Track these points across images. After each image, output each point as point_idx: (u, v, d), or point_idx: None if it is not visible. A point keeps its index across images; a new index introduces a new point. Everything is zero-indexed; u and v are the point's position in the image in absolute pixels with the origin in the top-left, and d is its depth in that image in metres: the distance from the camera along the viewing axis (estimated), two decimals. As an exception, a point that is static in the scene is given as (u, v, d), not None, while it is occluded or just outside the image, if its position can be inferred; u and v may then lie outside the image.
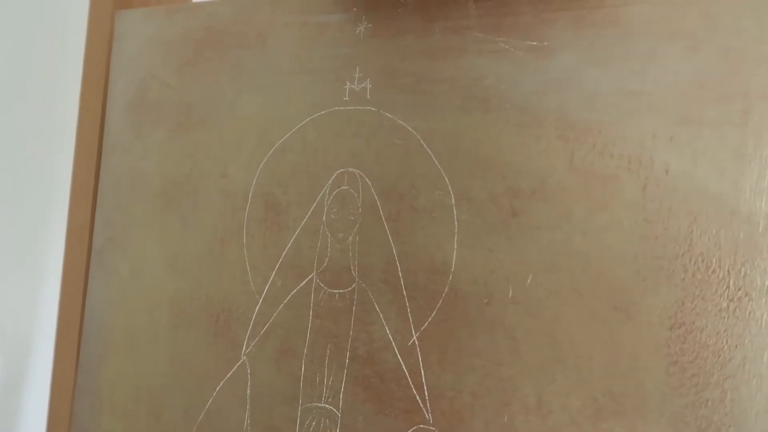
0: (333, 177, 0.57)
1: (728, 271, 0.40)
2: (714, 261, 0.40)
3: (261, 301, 0.60)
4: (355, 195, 0.55)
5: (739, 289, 0.40)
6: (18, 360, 0.80)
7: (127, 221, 0.73)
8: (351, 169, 0.56)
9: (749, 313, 0.39)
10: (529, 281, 0.46)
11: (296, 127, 0.60)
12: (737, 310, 0.39)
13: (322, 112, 0.58)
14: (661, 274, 0.42)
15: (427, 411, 0.50)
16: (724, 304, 0.40)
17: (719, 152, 0.41)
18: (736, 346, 0.39)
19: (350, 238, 0.55)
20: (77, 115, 0.79)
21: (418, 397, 0.51)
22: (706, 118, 0.41)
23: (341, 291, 0.55)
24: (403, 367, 0.51)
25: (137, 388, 0.70)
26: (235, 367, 0.61)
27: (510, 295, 0.47)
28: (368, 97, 0.55)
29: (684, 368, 0.40)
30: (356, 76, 0.56)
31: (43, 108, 0.82)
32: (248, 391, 0.60)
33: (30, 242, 0.81)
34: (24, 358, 0.80)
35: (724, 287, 0.40)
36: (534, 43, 0.48)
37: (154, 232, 0.70)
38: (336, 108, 0.57)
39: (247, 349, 0.61)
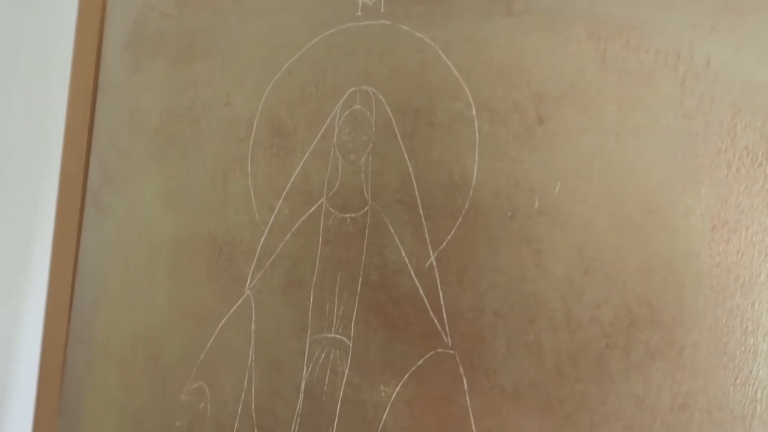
0: (344, 97, 0.54)
1: (774, 167, 0.37)
2: (760, 154, 0.37)
3: (266, 231, 0.57)
4: (368, 114, 0.52)
5: (786, 186, 0.37)
6: (8, 308, 0.76)
7: (124, 160, 0.70)
8: (364, 88, 0.53)
9: (797, 211, 0.37)
10: (556, 191, 0.44)
11: (305, 48, 0.57)
12: (784, 207, 0.37)
13: (333, 30, 0.55)
14: (702, 172, 0.39)
15: (445, 334, 0.47)
16: (770, 202, 0.37)
17: (764, 40, 0.38)
18: (783, 246, 0.37)
19: (363, 159, 0.52)
20: (71, 54, 0.76)
21: (435, 321, 0.48)
22: (750, 4, 0.39)
23: (353, 215, 0.52)
24: (420, 290, 0.48)
25: (133, 333, 0.67)
26: (238, 303, 0.58)
27: (535, 207, 0.44)
28: (382, 10, 0.52)
29: (728, 269, 0.38)
30: (369, -10, 0.53)
31: (35, 48, 0.78)
32: (253, 327, 0.57)
33: (21, 186, 0.78)
34: (15, 305, 0.77)
35: (770, 184, 0.37)
36: (561, -59, 0.45)
37: (152, 170, 0.67)
38: (348, 24, 0.54)
39: (251, 282, 0.58)
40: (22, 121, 0.76)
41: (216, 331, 0.60)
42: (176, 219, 0.64)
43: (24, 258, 0.76)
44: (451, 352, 0.47)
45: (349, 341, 0.52)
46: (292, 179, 0.56)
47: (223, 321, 0.59)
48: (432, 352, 0.48)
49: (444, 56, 0.49)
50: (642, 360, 0.40)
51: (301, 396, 0.54)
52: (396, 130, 0.51)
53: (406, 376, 0.49)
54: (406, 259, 0.49)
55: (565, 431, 0.42)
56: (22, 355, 0.76)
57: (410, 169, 0.50)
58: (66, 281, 0.72)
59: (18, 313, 0.76)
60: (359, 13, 0.54)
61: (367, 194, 0.52)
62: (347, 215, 0.53)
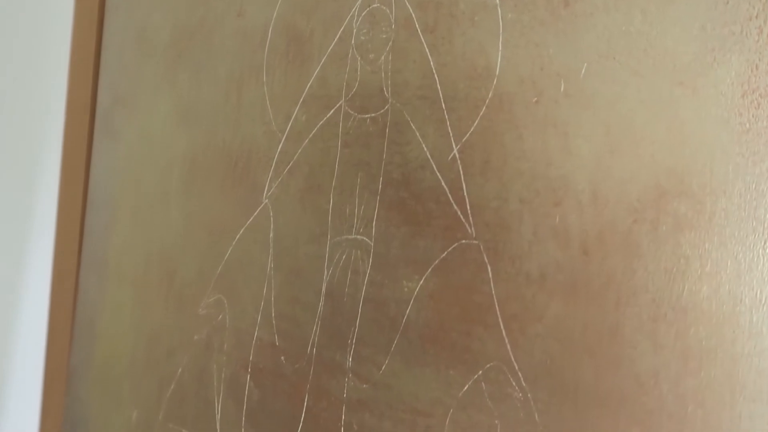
0: (362, -3, 0.53)
1: (805, 32, 0.37)
2: (792, 17, 0.37)
3: (284, 139, 0.57)
4: (388, 11, 0.52)
5: (816, 51, 0.37)
6: (17, 240, 0.76)
7: (133, 81, 0.69)
8: (382, -14, 0.52)
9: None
10: (582, 72, 0.43)
11: (320, -48, 0.56)
12: (814, 72, 0.37)
13: (349, -70, 0.54)
14: (731, 40, 0.39)
15: (469, 225, 0.47)
16: (800, 68, 0.37)
17: None
18: (813, 111, 0.37)
19: (382, 57, 0.52)
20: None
21: (459, 212, 0.48)
22: None
23: (372, 115, 0.52)
24: (443, 183, 0.48)
25: (148, 253, 0.66)
26: (256, 213, 0.58)
27: (561, 90, 0.44)
28: None
29: (758, 134, 0.38)
30: None
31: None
32: (271, 235, 0.57)
33: (27, 114, 0.77)
34: (24, 232, 0.76)
35: (800, 50, 0.37)
36: None
37: (164, 89, 0.66)
38: (364, -77, 0.54)
39: (268, 191, 0.58)
40: (26, 45, 0.75)
41: (233, 243, 0.60)
42: (189, 135, 0.64)
43: (32, 187, 0.75)
44: (475, 242, 0.47)
45: (371, 241, 0.52)
46: (309, 85, 0.56)
47: (241, 232, 0.59)
48: (455, 244, 0.48)
49: (465, -53, 0.48)
50: (671, 232, 0.40)
51: (322, 299, 0.54)
52: (416, 25, 0.50)
53: (429, 270, 0.49)
54: (428, 154, 0.49)
55: (591, 309, 0.42)
56: (31, 284, 0.76)
57: (431, 63, 0.49)
58: (76, 209, 0.72)
59: (27, 244, 0.76)
60: None
61: (387, 93, 0.51)
62: (367, 116, 0.52)
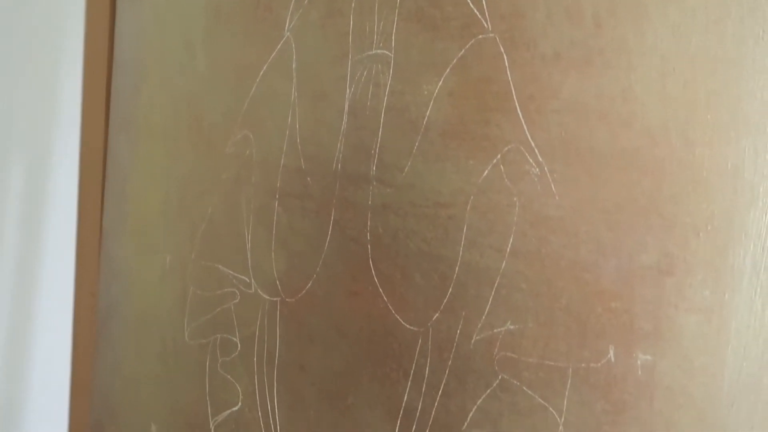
0: None
1: None
2: None
3: (303, -29, 0.59)
4: None
5: None
6: (44, 102, 0.79)
7: (154, -56, 0.71)
8: None
9: None
10: None
11: None
12: None
13: None
14: None
15: (485, 20, 0.50)
16: None
17: None
18: None
19: None
20: None
21: (475, 10, 0.50)
22: None
23: (389, -68, 0.54)
24: (459, -16, 0.51)
25: (176, 102, 0.69)
26: (279, 46, 0.61)
27: None
28: None
29: None
30: None
31: None
32: (294, 65, 0.60)
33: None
34: (50, 100, 0.79)
35: None
36: None
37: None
38: None
39: (290, 24, 0.60)
40: None
41: (258, 79, 0.62)
42: (211, -14, 0.66)
43: (55, 52, 0.78)
44: (491, 35, 0.49)
45: (390, 53, 0.54)
46: None
47: (264, 68, 0.62)
48: (472, 41, 0.50)
49: None
50: (678, -12, 0.42)
51: (345, 117, 0.56)
52: None
53: (448, 70, 0.51)
54: (444, -41, 0.51)
55: (604, 77, 0.44)
56: (60, 149, 0.79)
57: None
58: (101, 70, 0.75)
59: (53, 107, 0.79)
60: None
61: None
62: (384, -66, 0.54)
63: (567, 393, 0.46)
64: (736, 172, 0.40)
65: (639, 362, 0.43)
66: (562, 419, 0.46)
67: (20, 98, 0.79)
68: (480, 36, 0.50)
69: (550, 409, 0.46)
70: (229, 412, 0.63)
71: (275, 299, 0.60)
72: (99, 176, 0.75)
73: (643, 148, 0.43)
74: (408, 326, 0.53)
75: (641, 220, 0.43)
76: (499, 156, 0.49)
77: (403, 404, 0.53)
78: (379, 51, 0.55)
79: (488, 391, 0.49)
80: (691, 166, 0.42)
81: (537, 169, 0.47)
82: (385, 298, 0.54)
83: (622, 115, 0.44)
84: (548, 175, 0.47)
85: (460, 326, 0.50)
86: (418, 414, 0.52)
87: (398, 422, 0.53)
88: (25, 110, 0.79)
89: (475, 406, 0.50)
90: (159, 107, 0.70)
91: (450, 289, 0.51)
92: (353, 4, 0.56)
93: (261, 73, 0.62)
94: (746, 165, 0.40)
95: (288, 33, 0.60)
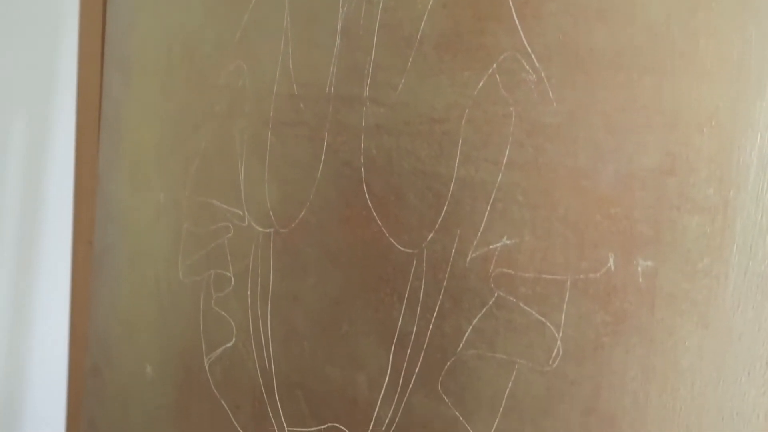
0: None
1: None
2: None
3: None
4: None
5: None
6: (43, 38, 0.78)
7: None
8: None
9: None
10: None
11: None
12: None
13: None
14: None
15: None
16: None
17: None
18: None
19: None
20: None
21: None
22: None
23: None
24: None
25: (169, 39, 0.68)
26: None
27: None
28: None
29: None
30: None
31: None
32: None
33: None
34: (49, 38, 0.78)
35: None
36: None
37: None
38: None
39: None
40: None
41: (250, 8, 0.61)
42: None
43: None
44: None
45: (384, -32, 0.52)
46: None
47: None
48: (467, -52, 0.48)
49: None
50: None
51: (338, 38, 0.55)
52: None
53: (443, -19, 0.49)
54: None
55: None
56: (59, 93, 0.78)
57: None
58: (97, 10, 0.73)
59: (53, 53, 0.78)
60: None
61: None
62: None
63: (565, 307, 0.44)
64: (741, 62, 0.38)
65: (640, 269, 0.41)
66: (560, 334, 0.44)
67: (18, 42, 0.78)
68: (474, -58, 0.48)
69: (548, 324, 0.45)
70: (222, 348, 0.62)
71: (268, 230, 0.59)
72: (95, 119, 0.74)
73: (644, 45, 0.41)
74: (402, 249, 0.51)
75: (642, 120, 0.41)
76: (494, 65, 0.47)
77: (398, 329, 0.51)
78: (372, -33, 0.53)
79: (484, 309, 0.47)
80: (693, 59, 0.40)
81: (534, 76, 0.45)
82: (378, 222, 0.53)
83: (622, 12, 0.42)
84: (545, 81, 0.45)
85: (455, 245, 0.49)
86: (412, 338, 0.51)
87: (392, 348, 0.52)
88: (24, 54, 0.78)
89: (471, 326, 0.48)
90: (152, 43, 0.69)
91: (445, 207, 0.49)
92: None
93: (253, 1, 0.60)
94: (753, 54, 0.38)
95: (280, -43, 0.59)
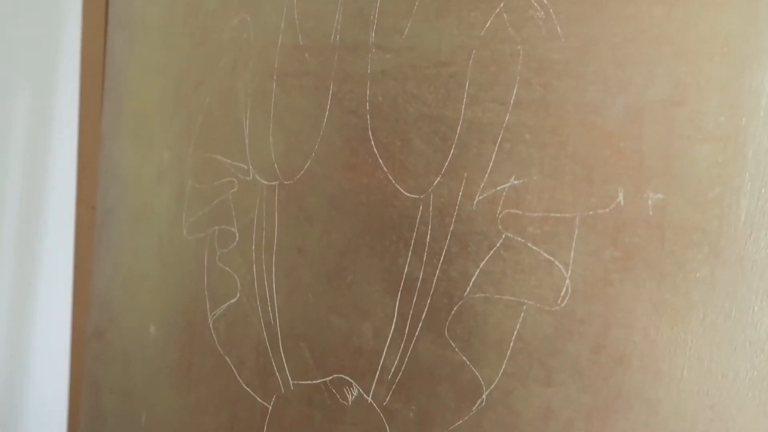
0: None
1: None
2: None
3: None
4: None
5: None
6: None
7: None
8: None
9: None
10: None
11: None
12: None
13: None
14: None
15: None
16: None
17: None
18: None
19: None
20: None
21: None
22: None
23: None
24: None
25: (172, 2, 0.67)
26: None
27: None
28: None
29: None
30: None
31: None
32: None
33: None
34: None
35: None
36: None
37: None
38: None
39: None
40: None
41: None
42: None
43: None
44: None
45: None
46: None
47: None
48: None
49: None
50: None
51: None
52: None
53: None
54: None
55: None
56: (62, 55, 0.78)
57: None
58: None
59: (56, 16, 0.78)
60: None
61: None
62: None
63: (574, 244, 0.44)
64: (753, -13, 0.38)
65: (650, 202, 0.41)
66: (569, 272, 0.44)
67: (22, 6, 0.78)
68: None
69: (556, 263, 0.44)
70: (227, 304, 0.62)
71: (273, 183, 0.59)
72: (99, 82, 0.73)
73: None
74: (408, 194, 0.51)
75: (651, 51, 0.41)
76: (502, 4, 0.46)
77: (404, 276, 0.51)
78: None
79: (491, 252, 0.47)
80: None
81: (542, 13, 0.45)
82: (384, 169, 0.52)
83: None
84: (554, 17, 0.44)
85: (462, 188, 0.48)
86: (419, 284, 0.50)
87: (399, 295, 0.51)
88: (27, 14, 0.78)
89: (478, 269, 0.47)
90: (155, 3, 0.69)
91: (451, 151, 0.49)
92: None
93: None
94: (764, -22, 0.38)
95: None
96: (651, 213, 0.41)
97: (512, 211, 0.46)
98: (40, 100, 0.80)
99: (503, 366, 0.46)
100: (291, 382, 0.57)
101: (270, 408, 0.59)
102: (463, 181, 0.48)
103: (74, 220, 0.80)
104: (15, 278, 0.80)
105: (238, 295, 0.61)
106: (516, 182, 0.46)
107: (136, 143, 0.70)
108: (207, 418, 0.63)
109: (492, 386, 0.47)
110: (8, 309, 0.80)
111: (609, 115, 0.42)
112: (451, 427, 0.49)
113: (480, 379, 0.47)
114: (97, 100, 0.74)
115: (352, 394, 0.54)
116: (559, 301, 0.44)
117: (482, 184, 0.47)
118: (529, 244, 0.45)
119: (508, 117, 0.46)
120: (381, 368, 0.52)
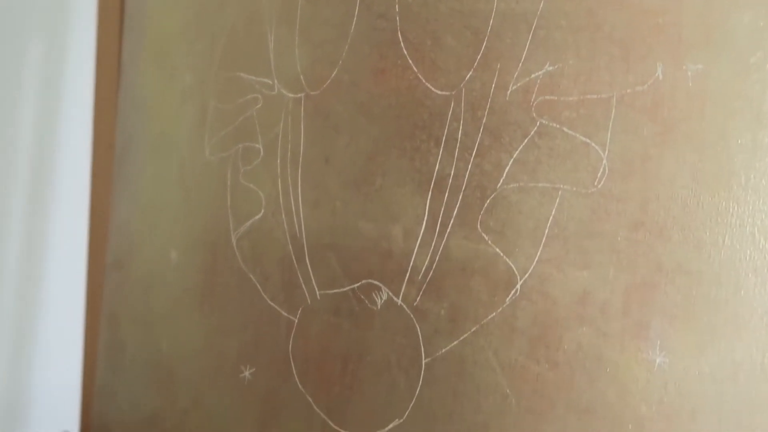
0: None
1: None
2: None
3: None
4: None
5: None
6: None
7: None
8: None
9: None
10: None
11: None
12: None
13: None
14: None
15: None
16: None
17: None
18: None
19: None
20: None
21: None
22: None
23: None
24: None
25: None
26: None
27: None
28: None
29: None
30: None
31: None
32: None
33: None
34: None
35: None
36: None
37: None
38: None
39: None
40: None
41: None
42: None
43: None
44: None
45: None
46: None
47: None
48: None
49: None
50: None
51: None
52: None
53: None
54: None
55: None
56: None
57: None
58: None
59: None
60: None
61: None
62: None
63: (611, 125, 0.44)
64: None
65: (689, 73, 0.41)
66: (606, 152, 0.44)
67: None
68: None
69: (593, 144, 0.44)
70: (251, 222, 0.61)
71: (299, 95, 0.58)
72: (117, 11, 0.73)
73: None
74: (439, 92, 0.51)
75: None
76: None
77: (435, 174, 0.51)
78: None
79: (526, 140, 0.47)
80: None
81: None
82: (414, 69, 0.52)
83: None
84: None
85: (494, 80, 0.48)
86: (450, 180, 0.50)
87: (429, 194, 0.51)
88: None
89: (512, 159, 0.47)
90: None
91: (484, 44, 0.49)
92: None
93: None
94: None
95: None
96: (691, 84, 0.41)
97: (547, 97, 0.46)
98: (54, 40, 0.79)
99: (538, 254, 0.46)
100: (318, 292, 0.57)
101: (296, 321, 0.58)
102: (496, 73, 0.48)
103: (90, 160, 0.79)
104: (30, 217, 0.80)
105: (263, 211, 0.61)
106: (551, 68, 0.46)
107: (159, 68, 0.70)
108: (230, 339, 0.63)
109: (526, 275, 0.47)
110: (25, 242, 0.80)
111: (647, -8, 0.42)
112: (484, 320, 0.48)
113: (514, 269, 0.47)
114: (116, 31, 0.74)
115: (382, 299, 0.53)
116: (596, 183, 0.44)
117: (516, 74, 0.47)
118: (564, 129, 0.45)
119: (542, 4, 0.46)
120: (411, 269, 0.52)
